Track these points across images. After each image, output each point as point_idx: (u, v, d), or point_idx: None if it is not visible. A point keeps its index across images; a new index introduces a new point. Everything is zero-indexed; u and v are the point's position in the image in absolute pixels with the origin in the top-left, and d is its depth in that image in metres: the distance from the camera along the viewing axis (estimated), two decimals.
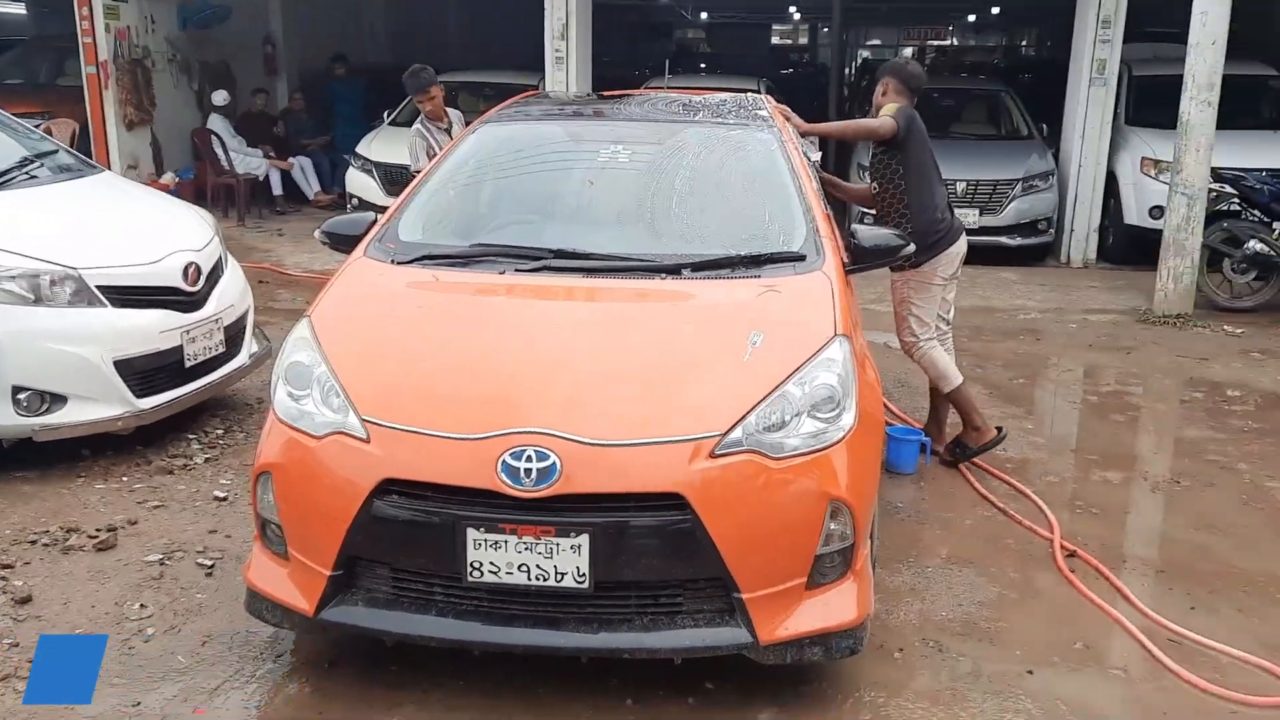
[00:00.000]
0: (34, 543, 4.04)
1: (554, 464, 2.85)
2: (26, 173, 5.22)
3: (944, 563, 4.10)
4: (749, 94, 5.12)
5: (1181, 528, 4.48)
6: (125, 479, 4.66)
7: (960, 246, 5.01)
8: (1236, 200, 8.24)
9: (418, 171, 6.22)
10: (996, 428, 5.06)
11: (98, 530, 4.12)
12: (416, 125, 6.55)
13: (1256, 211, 8.14)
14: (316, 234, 4.21)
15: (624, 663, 3.22)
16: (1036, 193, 9.95)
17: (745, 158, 4.23)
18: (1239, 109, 9.75)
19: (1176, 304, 7.98)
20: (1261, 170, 8.53)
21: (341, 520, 2.96)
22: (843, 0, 18.41)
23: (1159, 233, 8.60)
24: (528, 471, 2.85)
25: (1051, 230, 10.20)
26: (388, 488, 2.93)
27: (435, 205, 4.12)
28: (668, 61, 7.62)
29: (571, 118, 4.73)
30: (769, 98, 5.06)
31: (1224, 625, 3.67)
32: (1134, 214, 9.87)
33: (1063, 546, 4.18)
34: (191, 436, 5.15)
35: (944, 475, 4.97)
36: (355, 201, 10.79)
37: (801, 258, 3.67)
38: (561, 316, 3.50)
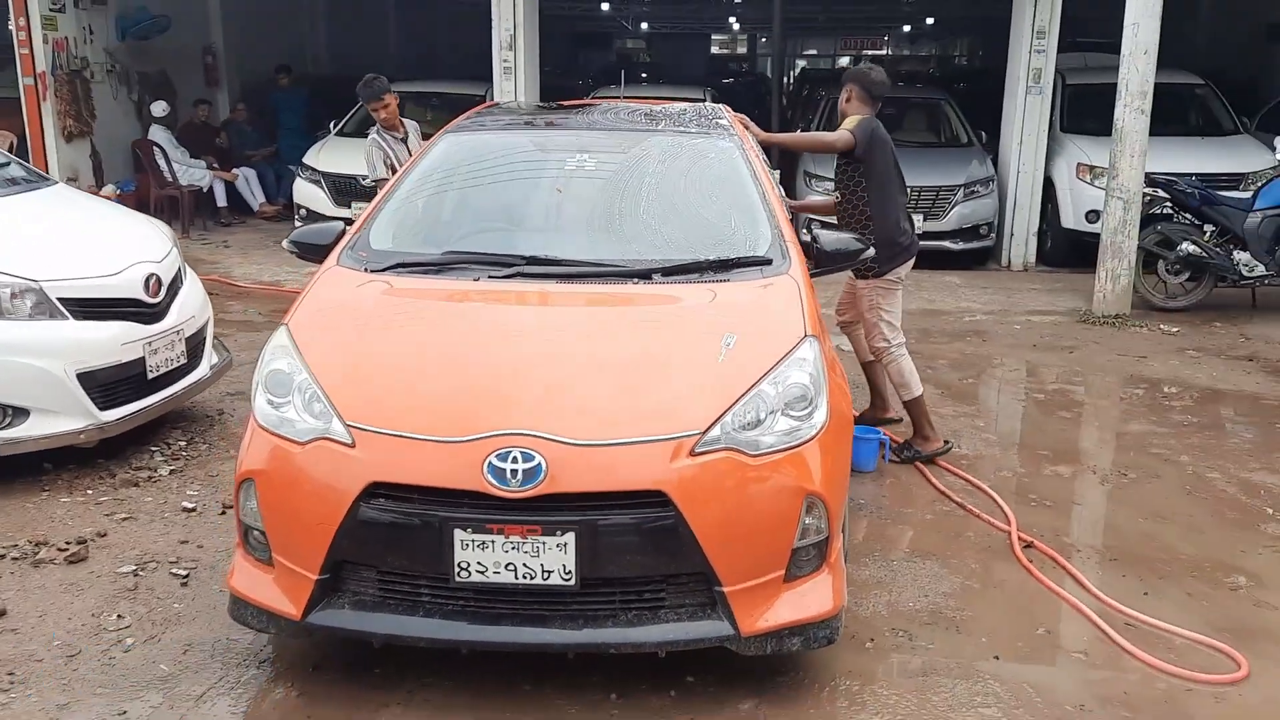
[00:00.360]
0: (2, 557, 4.00)
1: (539, 464, 2.92)
2: None
3: (908, 556, 4.23)
4: (708, 104, 5.21)
5: (1130, 517, 4.67)
6: (90, 492, 4.63)
7: (913, 257, 5.25)
8: (1169, 204, 8.55)
9: (376, 181, 6.27)
10: (945, 440, 5.26)
11: (67, 543, 4.09)
12: (373, 135, 6.53)
13: (1188, 215, 8.46)
14: (285, 243, 4.22)
15: (606, 659, 3.30)
16: (978, 198, 10.23)
17: (709, 165, 4.33)
18: (1168, 116, 10.13)
19: (1115, 304, 8.25)
20: (1191, 175, 8.86)
21: (328, 524, 3.00)
22: (782, 11, 18.67)
23: (1095, 236, 8.90)
24: (514, 472, 2.91)
25: (992, 235, 10.48)
26: (374, 491, 2.98)
27: (405, 214, 4.18)
28: (623, 72, 7.68)
29: (536, 127, 4.80)
30: (727, 107, 5.15)
31: (1175, 608, 3.84)
32: (1071, 218, 10.19)
33: (1020, 538, 4.33)
34: (154, 449, 5.12)
35: (903, 472, 5.11)
36: (303, 212, 10.74)
37: (768, 262, 3.78)
38: (538, 321, 3.57)
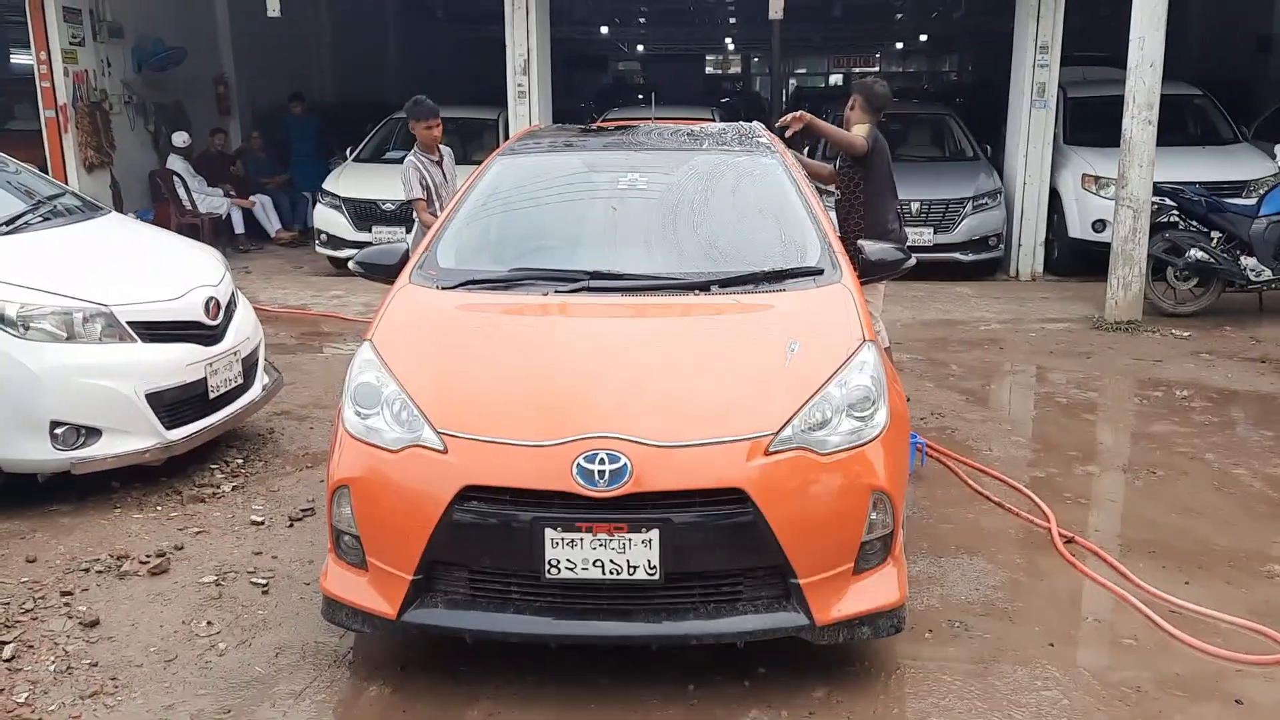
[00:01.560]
0: (87, 570, 4.15)
1: (625, 465, 3.09)
2: (42, 215, 5.33)
3: (954, 553, 4.40)
4: (746, 123, 5.41)
5: (1164, 512, 4.84)
6: (160, 509, 4.78)
7: None
8: (1176, 212, 8.76)
9: (410, 201, 6.40)
10: None
11: (148, 556, 4.24)
12: (410, 157, 6.57)
13: (1195, 222, 8.67)
14: (351, 264, 4.41)
15: (681, 654, 3.46)
16: (986, 210, 10.44)
17: (755, 181, 4.53)
18: (1170, 126, 10.37)
19: (1126, 311, 8.45)
20: (1196, 184, 9.09)
21: (424, 527, 3.16)
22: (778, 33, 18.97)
23: (1102, 245, 9.12)
24: (601, 473, 3.08)
25: (1001, 245, 10.69)
26: (468, 494, 3.14)
27: (467, 234, 4.36)
28: (654, 94, 7.90)
29: (584, 149, 4.98)
30: (762, 125, 5.35)
31: (1216, 596, 4.00)
32: (1077, 228, 10.41)
33: (1060, 533, 4.50)
34: (214, 466, 5.28)
35: (940, 475, 5.28)
36: (324, 237, 10.93)
37: (820, 271, 3.97)
38: (610, 331, 3.75)
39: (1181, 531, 4.63)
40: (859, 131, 5.49)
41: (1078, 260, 10.43)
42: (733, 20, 23.72)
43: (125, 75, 12.39)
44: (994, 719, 3.24)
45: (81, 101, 11.49)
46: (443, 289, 3.92)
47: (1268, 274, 8.38)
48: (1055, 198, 10.65)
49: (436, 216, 5.73)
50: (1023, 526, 4.66)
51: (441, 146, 6.70)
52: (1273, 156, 9.51)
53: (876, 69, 35.85)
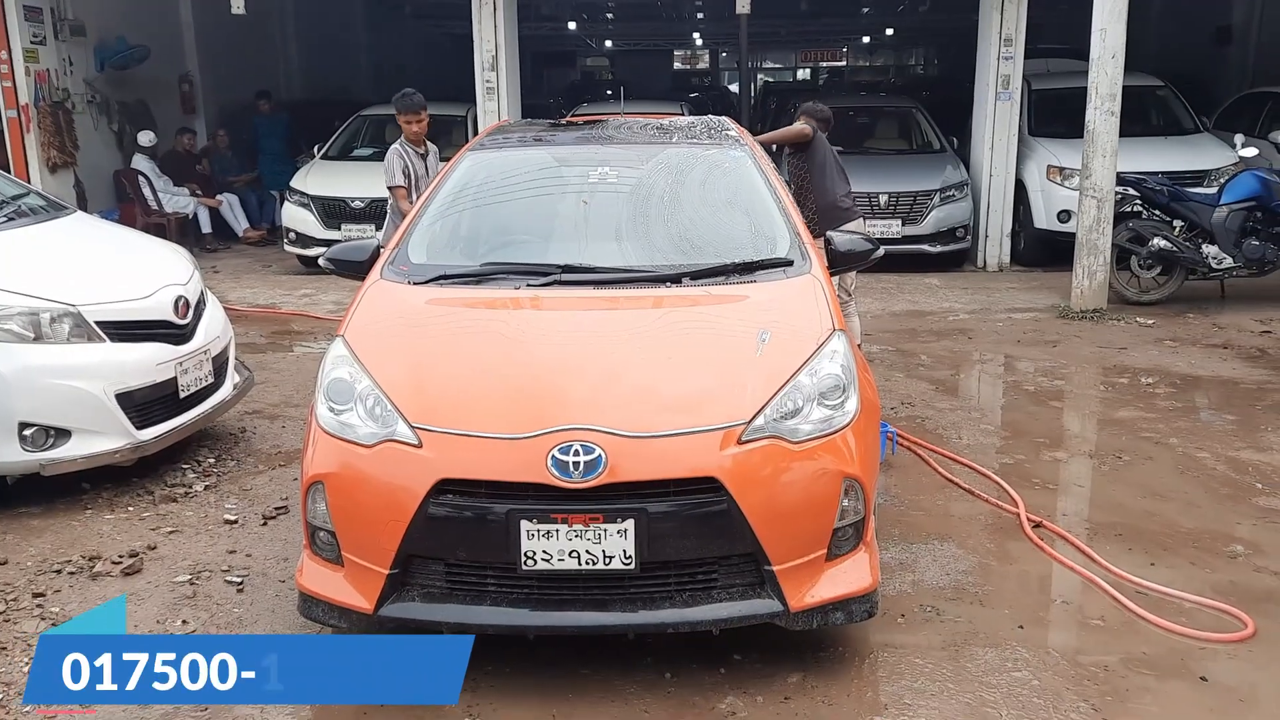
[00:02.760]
0: (59, 572, 4.13)
1: (599, 456, 3.11)
2: (7, 215, 5.28)
3: (926, 539, 4.45)
4: (714, 117, 5.45)
5: (1130, 496, 4.92)
6: (132, 509, 4.76)
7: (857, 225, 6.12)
8: (1139, 202, 8.88)
9: (392, 187, 6.46)
10: None
11: (121, 556, 4.22)
12: (395, 147, 6.61)
13: (1158, 211, 8.80)
14: (322, 261, 4.41)
15: (656, 642, 3.49)
16: (953, 202, 10.54)
17: (725, 174, 4.56)
18: (1132, 117, 10.50)
19: (1092, 299, 8.56)
20: (1159, 173, 9.22)
21: (399, 521, 3.17)
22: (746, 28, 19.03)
23: (1067, 235, 9.24)
24: (576, 464, 3.11)
25: (968, 237, 10.79)
26: (443, 488, 3.16)
27: (438, 229, 4.36)
28: (623, 90, 7.92)
29: (555, 143, 5.00)
30: (731, 119, 5.39)
31: (1181, 577, 4.08)
32: (1043, 218, 10.53)
33: (1029, 518, 4.57)
34: (185, 466, 5.25)
35: (910, 463, 5.34)
36: (292, 235, 10.87)
37: (790, 263, 4.01)
38: (584, 324, 3.76)
39: (1147, 514, 4.71)
40: (798, 124, 6.60)
41: (1044, 250, 10.55)
42: (700, 15, 23.73)
43: (88, 74, 12.25)
44: (965, 700, 3.29)
45: (43, 101, 11.35)
46: (414, 284, 3.93)
47: (1229, 262, 8.52)
48: (1021, 189, 10.77)
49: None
50: (992, 512, 4.73)
51: (428, 143, 6.74)
52: (1233, 146, 9.65)
53: (843, 63, 36.10)
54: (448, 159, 5.13)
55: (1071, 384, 6.92)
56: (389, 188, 6.51)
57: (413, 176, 6.43)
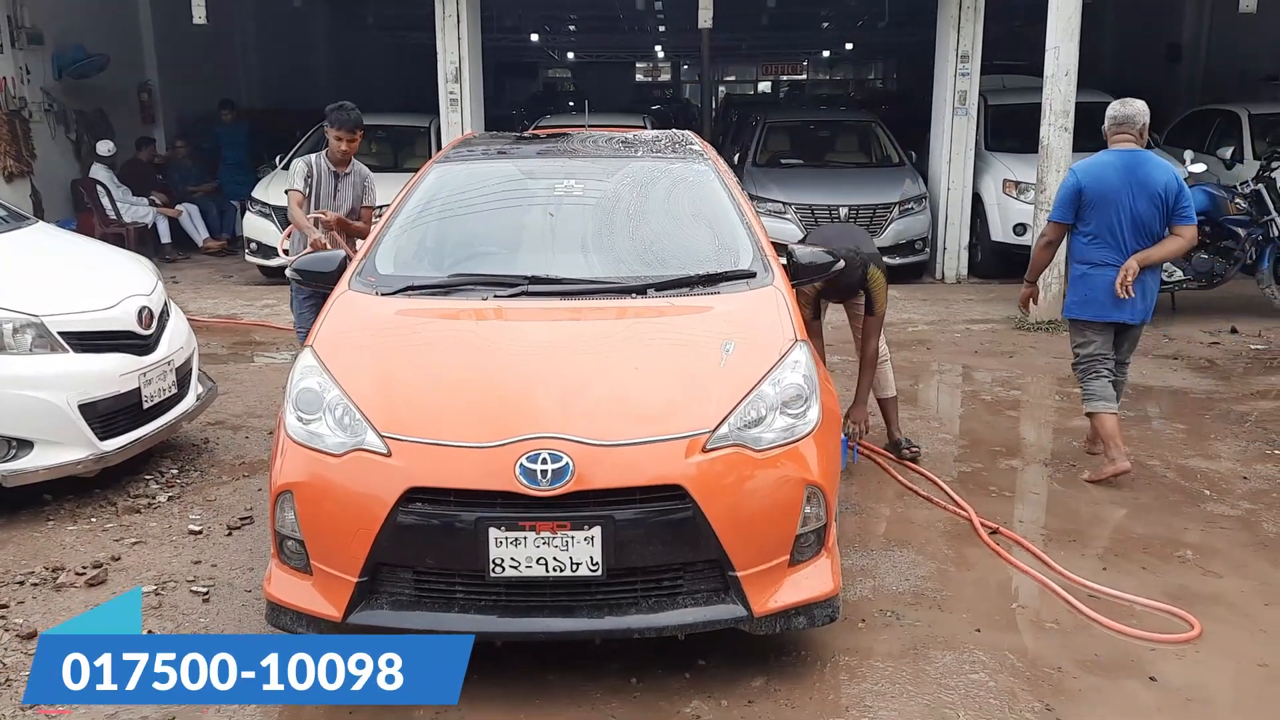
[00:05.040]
0: (22, 583, 4.11)
1: (567, 464, 3.17)
2: None
3: (885, 546, 4.55)
4: (679, 131, 5.53)
5: (1082, 503, 5.05)
6: (95, 520, 4.74)
7: None
8: None
9: (288, 190, 5.82)
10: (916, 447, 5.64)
11: (84, 567, 4.21)
12: (308, 155, 5.90)
13: None
14: (288, 272, 4.43)
15: (623, 647, 3.54)
16: (912, 215, 10.71)
17: (689, 187, 4.64)
18: (1087, 133, 10.73)
19: (1047, 311, 8.72)
20: None
21: (368, 529, 3.21)
22: (709, 41, 19.24)
23: (1023, 248, 9.38)
24: (543, 473, 3.16)
25: (927, 249, 10.97)
26: (412, 496, 3.20)
27: (406, 241, 4.40)
28: (586, 103, 7.98)
29: (521, 156, 5.05)
30: (695, 134, 5.47)
31: (1132, 580, 4.20)
32: (999, 231, 10.71)
33: (984, 524, 4.67)
34: (149, 477, 5.24)
35: (871, 471, 5.44)
36: (254, 245, 10.83)
37: (752, 274, 4.09)
38: (550, 334, 3.82)
39: (1099, 520, 4.84)
40: None
41: (1000, 263, 10.72)
42: (662, 28, 23.91)
43: (45, 82, 12.10)
44: (924, 701, 3.37)
45: (0, 109, 11.22)
46: (382, 295, 3.97)
47: (1179, 274, 8.72)
48: (978, 202, 10.95)
49: (307, 216, 5.57)
50: (950, 519, 4.83)
51: (359, 166, 6.02)
52: (1182, 162, 9.88)
53: (804, 76, 36.49)
54: (405, 169, 5.13)
55: (1027, 394, 7.06)
56: (285, 190, 5.82)
57: (313, 192, 5.76)
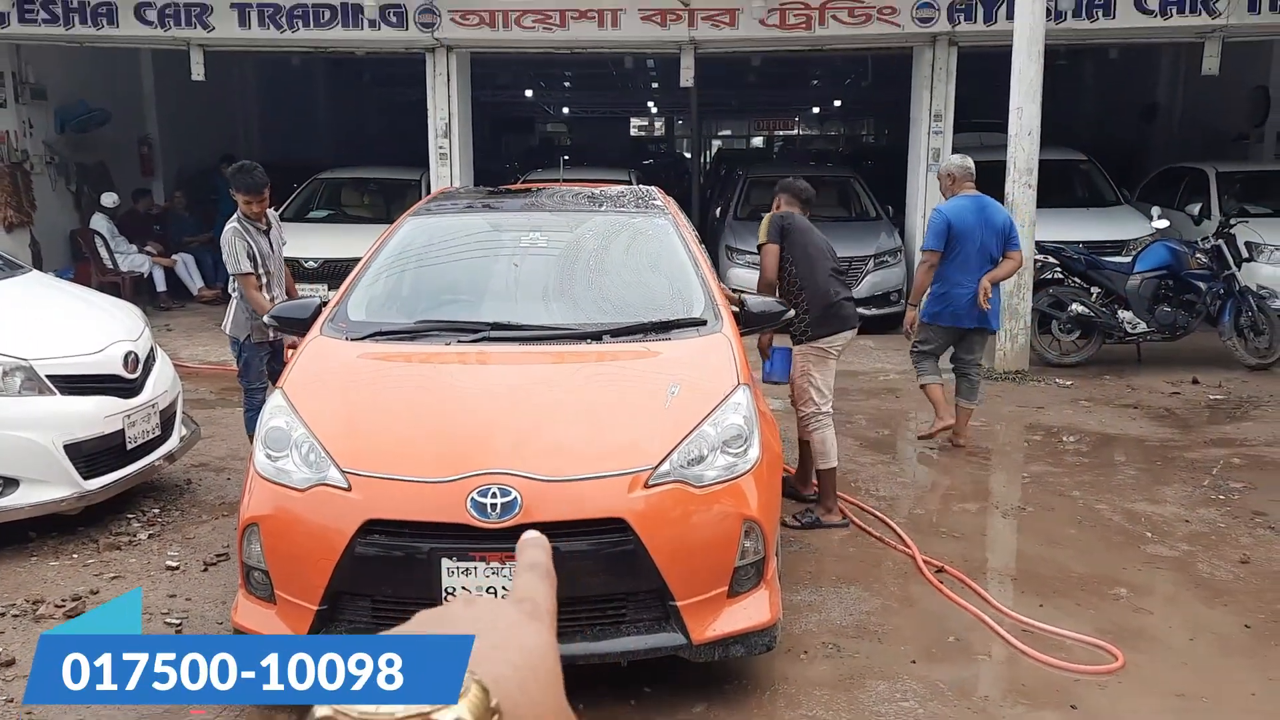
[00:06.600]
0: (3, 614, 4.30)
1: (515, 498, 3.38)
2: None
3: (834, 583, 4.73)
4: (643, 186, 5.81)
5: (1029, 544, 5.25)
6: (76, 556, 4.93)
7: (853, 332, 5.60)
8: (1059, 269, 9.36)
9: (239, 274, 5.72)
10: (844, 517, 5.44)
11: (64, 600, 4.40)
12: (233, 224, 5.77)
13: (1077, 278, 9.28)
14: (266, 318, 4.67)
15: (569, 674, 3.70)
16: (887, 267, 10.99)
17: (647, 240, 4.90)
18: (1056, 189, 11.10)
19: (1015, 361, 8.98)
20: (1078, 243, 9.73)
21: (328, 559, 3.41)
22: (698, 98, 19.71)
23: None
24: (493, 506, 3.37)
25: (902, 300, 11.19)
26: (370, 528, 3.41)
27: (377, 289, 4.65)
28: (561, 160, 8.29)
29: (490, 209, 5.33)
30: (660, 190, 5.75)
31: (1067, 617, 4.38)
32: None
33: (929, 563, 4.87)
34: (131, 516, 5.43)
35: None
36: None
37: (703, 322, 4.33)
38: (507, 377, 4.06)
39: (1043, 560, 5.03)
40: (760, 237, 5.56)
41: None
42: (654, 85, 24.43)
43: (48, 136, 12.46)
44: None
45: (2, 162, 11.55)
46: (351, 340, 4.21)
47: (1143, 327, 8.98)
48: None
49: (265, 293, 5.63)
50: (900, 558, 5.02)
51: (269, 212, 6.02)
52: (1149, 218, 10.19)
53: (796, 132, 37.10)
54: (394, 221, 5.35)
55: (989, 441, 7.27)
56: (233, 275, 5.75)
57: (258, 258, 5.74)
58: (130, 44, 11.80)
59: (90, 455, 5.05)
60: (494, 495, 3.38)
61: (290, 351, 4.93)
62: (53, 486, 4.92)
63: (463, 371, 4.12)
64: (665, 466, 3.55)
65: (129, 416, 5.26)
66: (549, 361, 4.12)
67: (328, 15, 10.97)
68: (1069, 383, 8.65)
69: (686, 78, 11.30)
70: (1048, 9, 9.17)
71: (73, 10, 10.87)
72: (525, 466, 3.45)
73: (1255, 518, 5.52)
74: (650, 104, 30.53)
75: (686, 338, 4.24)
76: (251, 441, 4.22)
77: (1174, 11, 10.46)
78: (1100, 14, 10.56)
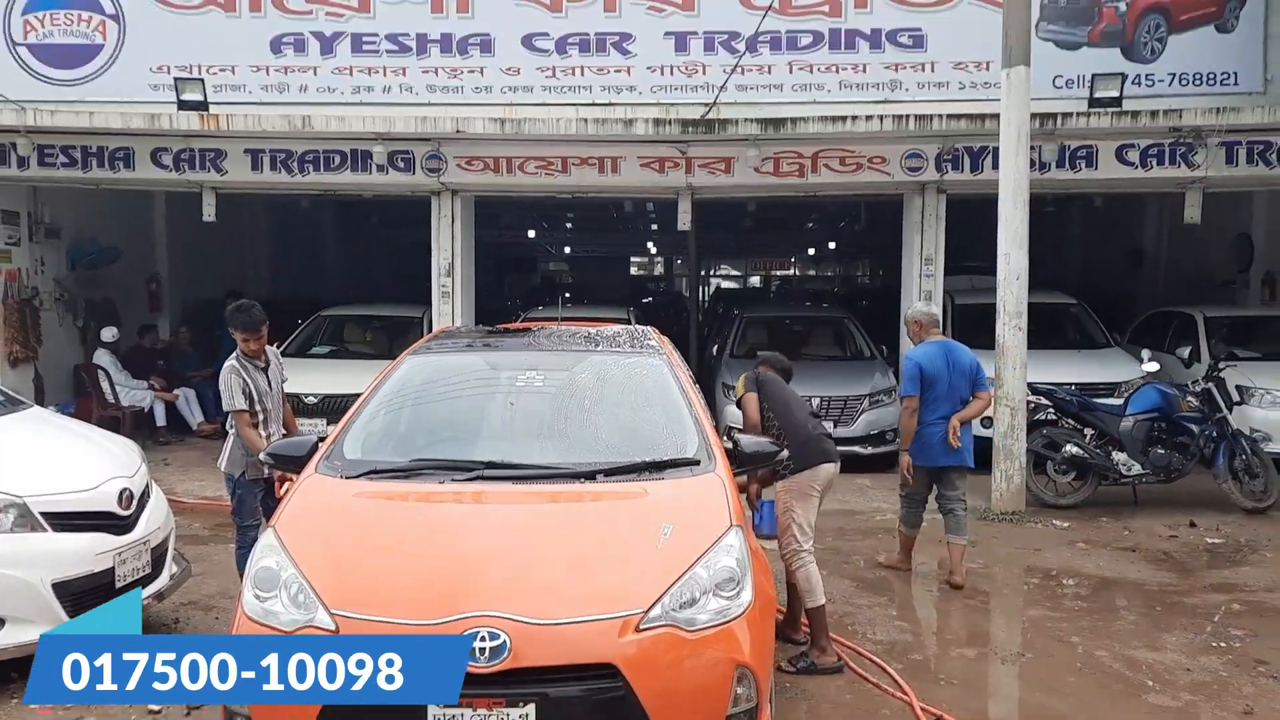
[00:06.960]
0: None
1: (504, 642, 3.36)
2: None
3: None
4: (639, 326, 5.92)
5: (1029, 692, 5.16)
6: None
7: (833, 467, 5.69)
8: (1052, 410, 9.43)
9: (234, 411, 5.82)
10: (839, 658, 5.39)
11: None
12: (231, 362, 5.88)
13: (1070, 419, 9.34)
14: (261, 456, 4.71)
15: None
16: (882, 406, 11.06)
17: (642, 380, 4.98)
18: (1048, 332, 11.29)
19: (1010, 502, 8.96)
20: (1071, 384, 9.83)
21: (313, 705, 3.35)
22: (697, 238, 20.17)
23: (988, 440, 9.71)
24: (482, 650, 3.34)
25: (897, 440, 11.24)
26: None
27: (374, 427, 4.70)
28: (560, 298, 8.47)
29: (488, 349, 5.42)
30: (655, 330, 5.86)
31: None
32: None
33: (925, 709, 4.77)
34: None
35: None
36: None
37: (696, 462, 4.37)
38: (499, 517, 4.06)
39: (1043, 710, 4.94)
40: (739, 390, 5.89)
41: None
42: (654, 226, 25.03)
43: (58, 273, 12.71)
44: None
45: (11, 299, 11.76)
46: (346, 478, 4.23)
47: (1138, 468, 8.99)
48: None
49: (260, 430, 5.75)
50: (898, 706, 4.93)
51: (268, 349, 6.10)
52: (1140, 360, 10.32)
53: (793, 271, 37.81)
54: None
55: (987, 583, 7.20)
56: (228, 411, 5.85)
57: (254, 395, 5.84)
58: (145, 186, 12.15)
59: (78, 594, 4.99)
60: (483, 638, 3.35)
61: (281, 487, 4.98)
62: (38, 626, 4.81)
63: (456, 511, 4.13)
64: (657, 610, 3.53)
65: (120, 554, 5.23)
66: (542, 501, 4.14)
67: (338, 160, 11.35)
68: (1066, 524, 8.61)
69: (684, 221, 11.61)
70: (1031, 160, 9.48)
71: (91, 154, 11.24)
72: (514, 608, 3.43)
73: (1258, 666, 5.44)
74: (650, 244, 31.22)
75: (680, 477, 4.27)
76: (242, 579, 4.20)
77: (1154, 163, 10.83)
78: (1083, 164, 10.93)
